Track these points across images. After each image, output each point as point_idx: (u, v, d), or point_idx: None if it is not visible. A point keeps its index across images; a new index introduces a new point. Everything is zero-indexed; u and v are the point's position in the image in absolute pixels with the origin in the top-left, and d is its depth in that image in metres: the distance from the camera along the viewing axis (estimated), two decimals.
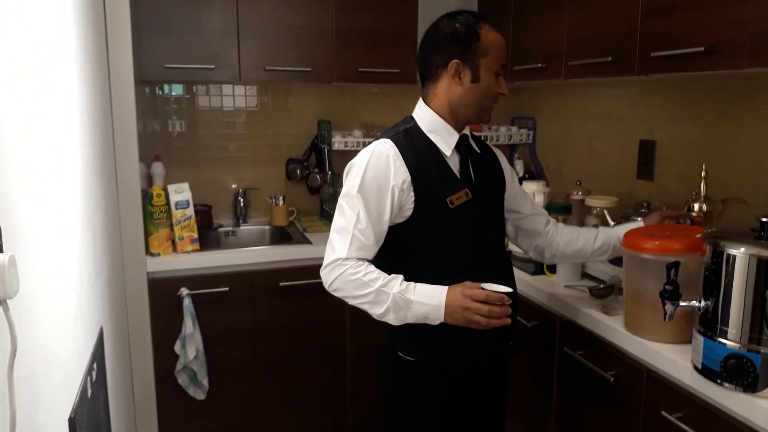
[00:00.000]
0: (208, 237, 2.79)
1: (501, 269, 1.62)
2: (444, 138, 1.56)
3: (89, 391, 1.34)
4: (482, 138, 2.98)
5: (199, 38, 2.54)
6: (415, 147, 1.53)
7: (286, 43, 2.64)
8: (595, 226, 2.20)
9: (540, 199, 2.25)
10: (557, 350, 1.91)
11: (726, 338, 1.33)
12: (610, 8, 2.00)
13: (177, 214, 2.45)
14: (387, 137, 1.53)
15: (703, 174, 1.84)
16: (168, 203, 2.44)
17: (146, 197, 2.40)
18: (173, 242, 2.47)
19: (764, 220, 1.34)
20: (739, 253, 1.31)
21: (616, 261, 2.02)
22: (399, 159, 1.49)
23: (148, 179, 2.75)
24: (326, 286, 1.51)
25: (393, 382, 1.62)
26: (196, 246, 2.49)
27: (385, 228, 1.51)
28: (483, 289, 1.43)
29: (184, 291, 2.38)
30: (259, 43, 2.61)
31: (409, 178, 1.48)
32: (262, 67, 2.62)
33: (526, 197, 1.79)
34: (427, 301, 1.44)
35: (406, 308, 1.44)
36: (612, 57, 1.97)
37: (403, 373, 1.59)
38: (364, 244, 1.48)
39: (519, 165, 3.12)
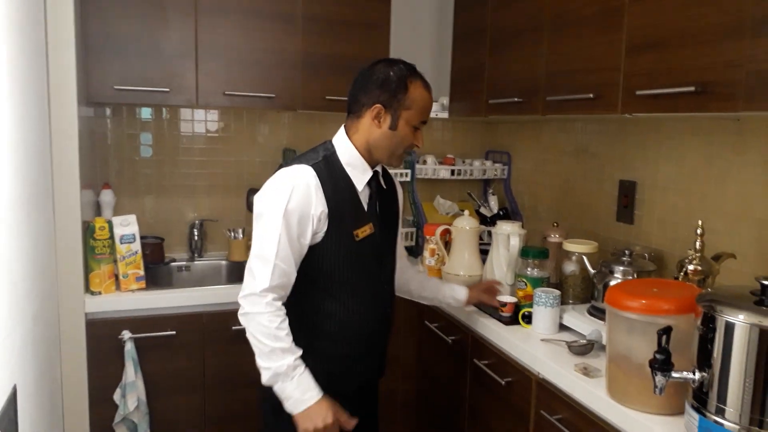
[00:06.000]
0: (158, 272, 2.58)
1: (389, 303, 1.74)
2: (359, 173, 1.62)
3: None
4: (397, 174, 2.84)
5: (153, 59, 2.36)
6: (333, 178, 1.58)
7: (249, 67, 2.48)
8: (573, 272, 2.06)
9: (515, 242, 2.09)
10: (533, 413, 1.74)
11: (724, 418, 1.18)
12: (591, 42, 1.88)
13: (122, 249, 2.24)
14: (309, 164, 1.56)
15: (699, 231, 1.70)
16: (112, 237, 2.23)
17: (88, 230, 2.19)
18: (117, 279, 2.26)
19: (766, 282, 1.20)
20: (739, 321, 1.16)
21: (595, 313, 1.88)
22: (320, 190, 1.54)
23: (96, 208, 2.55)
24: (239, 311, 1.54)
25: (271, 390, 1.57)
26: (142, 284, 2.27)
27: (305, 251, 1.56)
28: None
29: (126, 334, 2.16)
30: (219, 66, 2.44)
31: (326, 209, 1.54)
32: (222, 91, 2.44)
33: (401, 237, 1.92)
34: (299, 395, 1.49)
35: (282, 380, 1.49)
36: (594, 94, 1.84)
37: None
38: (285, 271, 1.53)
39: (493, 201, 2.98)
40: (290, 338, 1.51)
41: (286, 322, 1.52)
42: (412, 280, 1.97)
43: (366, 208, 1.63)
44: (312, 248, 1.57)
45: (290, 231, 1.51)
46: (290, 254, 1.52)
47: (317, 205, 1.53)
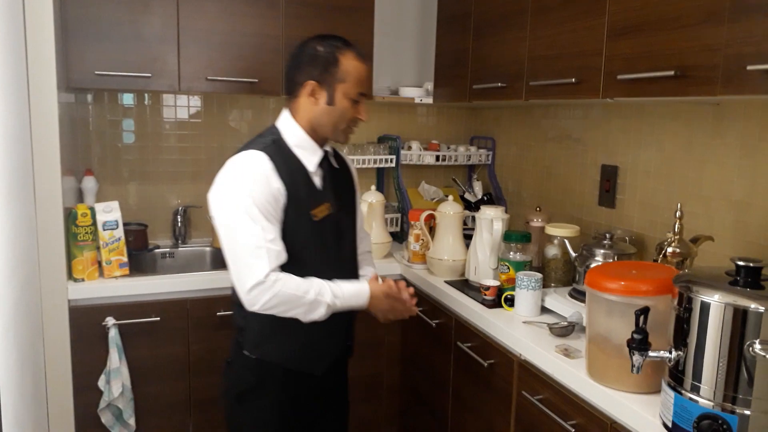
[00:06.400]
0: (142, 259, 2.57)
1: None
2: (309, 154, 1.62)
3: None
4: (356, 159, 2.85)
5: (134, 44, 2.33)
6: (285, 160, 1.57)
7: (231, 52, 2.45)
8: (555, 256, 2.08)
9: (498, 226, 2.11)
10: (515, 394, 1.77)
11: (699, 395, 1.20)
12: (573, 27, 1.89)
13: (104, 235, 2.23)
14: (258, 149, 1.55)
15: (678, 214, 1.73)
16: (94, 223, 2.22)
17: (70, 217, 2.18)
18: (100, 266, 2.25)
19: (740, 263, 1.22)
20: (714, 300, 1.18)
21: (576, 295, 1.90)
22: (275, 172, 1.52)
23: (79, 195, 2.53)
24: (254, 307, 1.51)
25: (238, 378, 1.67)
26: (125, 271, 2.26)
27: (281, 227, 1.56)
28: None
29: (110, 321, 2.15)
30: (201, 51, 2.42)
31: (284, 191, 1.53)
32: (204, 76, 2.42)
33: (361, 216, 1.89)
34: (355, 303, 1.60)
35: (335, 306, 1.56)
36: (576, 78, 1.85)
37: (248, 370, 1.64)
38: (278, 252, 1.51)
39: (477, 186, 2.99)
40: (312, 282, 1.54)
41: (297, 277, 1.53)
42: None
43: (321, 188, 1.63)
44: None
45: (267, 213, 1.50)
46: (277, 236, 1.52)
47: (277, 186, 1.52)
